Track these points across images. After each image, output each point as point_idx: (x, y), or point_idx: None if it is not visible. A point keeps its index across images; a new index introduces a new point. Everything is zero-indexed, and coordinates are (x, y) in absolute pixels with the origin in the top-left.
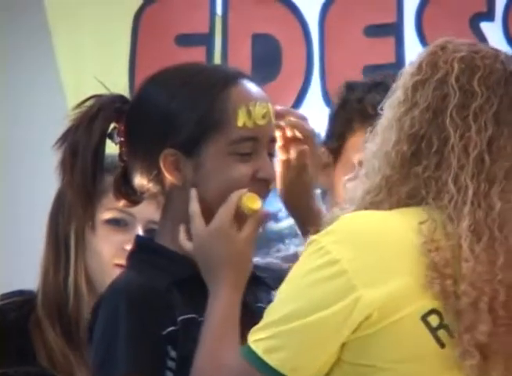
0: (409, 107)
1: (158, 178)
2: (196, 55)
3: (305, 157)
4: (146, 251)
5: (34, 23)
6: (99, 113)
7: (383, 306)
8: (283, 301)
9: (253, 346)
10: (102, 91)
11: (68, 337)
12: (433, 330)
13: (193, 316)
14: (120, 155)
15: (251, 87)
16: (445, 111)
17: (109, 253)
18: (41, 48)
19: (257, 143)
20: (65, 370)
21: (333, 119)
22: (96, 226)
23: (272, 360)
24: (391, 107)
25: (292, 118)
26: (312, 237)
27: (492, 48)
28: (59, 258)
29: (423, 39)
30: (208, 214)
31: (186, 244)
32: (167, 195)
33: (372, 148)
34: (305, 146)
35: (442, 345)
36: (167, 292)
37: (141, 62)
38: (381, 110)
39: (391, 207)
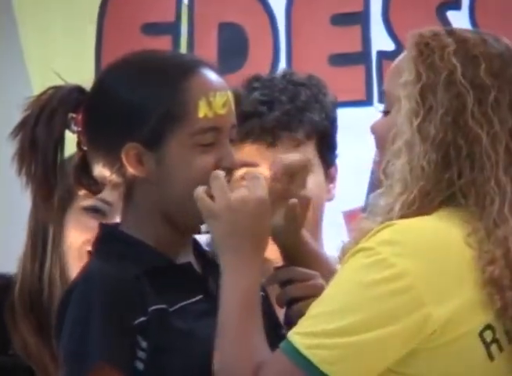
0: (424, 116)
1: (121, 171)
2: (162, 44)
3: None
4: (113, 239)
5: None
6: (59, 108)
7: (446, 322)
8: (339, 311)
9: (307, 353)
10: (68, 80)
11: (42, 328)
12: (487, 345)
13: (164, 306)
14: (78, 144)
15: (210, 76)
16: (464, 111)
17: (80, 238)
18: (8, 38)
19: (218, 133)
20: (39, 362)
21: None
22: (74, 213)
23: (332, 372)
24: (405, 119)
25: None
26: (364, 245)
27: (471, 31)
28: (36, 248)
29: (389, 28)
30: (172, 207)
31: (206, 200)
32: (129, 186)
33: (399, 163)
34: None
35: (492, 359)
36: (138, 282)
37: (107, 51)
38: None
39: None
